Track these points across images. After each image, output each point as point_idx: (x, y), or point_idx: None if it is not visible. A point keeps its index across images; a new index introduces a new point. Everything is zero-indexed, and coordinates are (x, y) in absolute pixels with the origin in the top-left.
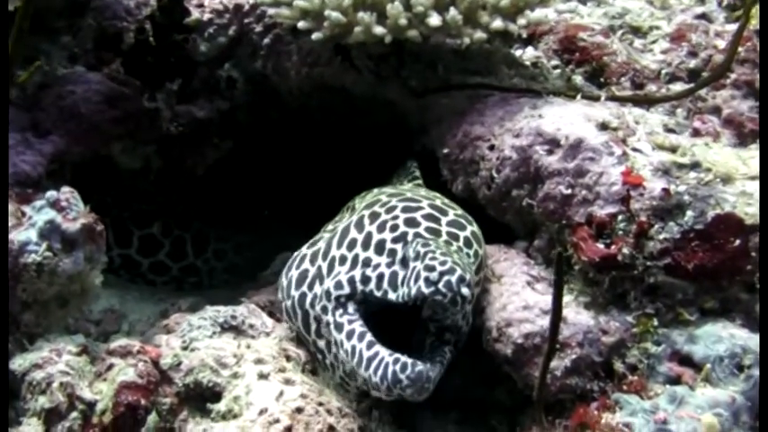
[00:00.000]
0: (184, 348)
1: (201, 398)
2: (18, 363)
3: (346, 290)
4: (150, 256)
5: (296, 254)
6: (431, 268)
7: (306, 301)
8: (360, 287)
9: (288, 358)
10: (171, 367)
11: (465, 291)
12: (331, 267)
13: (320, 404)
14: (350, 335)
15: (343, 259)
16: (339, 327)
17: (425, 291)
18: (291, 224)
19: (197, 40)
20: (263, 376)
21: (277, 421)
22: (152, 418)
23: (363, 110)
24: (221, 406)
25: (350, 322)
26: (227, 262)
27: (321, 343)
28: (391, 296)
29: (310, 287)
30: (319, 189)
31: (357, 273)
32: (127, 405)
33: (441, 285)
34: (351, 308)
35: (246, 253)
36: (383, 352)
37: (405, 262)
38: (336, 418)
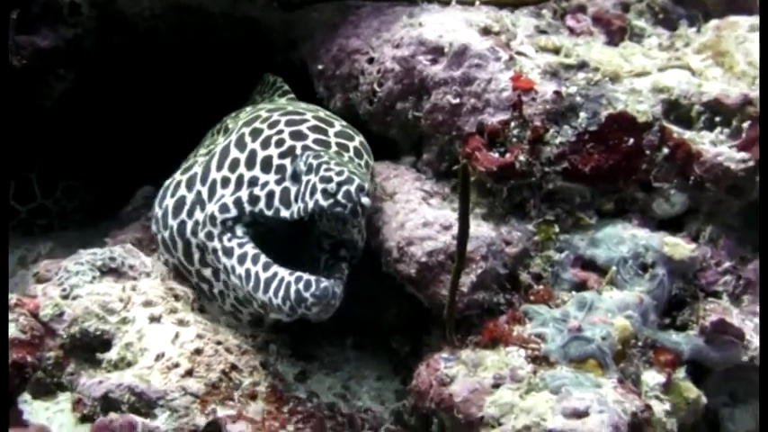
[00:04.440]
0: (65, 297)
1: (89, 348)
2: None
3: (233, 212)
4: None
5: (168, 182)
6: (327, 179)
7: (186, 230)
8: (248, 208)
9: (176, 297)
10: (52, 318)
11: (365, 200)
12: (212, 191)
13: (219, 343)
14: (242, 259)
15: (225, 181)
16: (228, 251)
17: (324, 203)
18: (147, 156)
19: None
20: (154, 319)
21: (176, 365)
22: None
23: (221, 28)
24: (112, 354)
25: (240, 246)
26: (78, 200)
27: (207, 272)
28: (284, 213)
29: (190, 214)
30: (177, 115)
31: (243, 193)
32: (12, 364)
33: (340, 196)
34: (239, 231)
35: (96, 190)
36: (282, 272)
37: (296, 176)
38: (237, 356)
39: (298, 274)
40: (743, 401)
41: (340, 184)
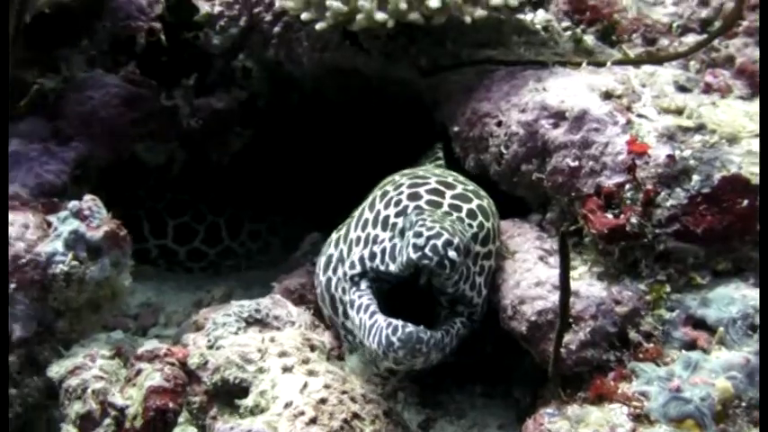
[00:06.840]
0: (210, 347)
1: (230, 394)
2: (55, 370)
3: (358, 269)
4: (186, 243)
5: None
6: (418, 234)
7: (331, 286)
8: (368, 264)
9: (312, 348)
10: (198, 367)
11: (452, 254)
12: (350, 250)
13: (344, 392)
14: (358, 309)
15: (358, 240)
16: (352, 304)
17: (413, 256)
18: (322, 201)
19: (209, 33)
20: (287, 369)
21: (302, 414)
22: (184, 416)
23: (378, 89)
24: (249, 401)
25: (359, 297)
26: (263, 242)
27: (349, 324)
28: (392, 268)
29: (334, 271)
30: (347, 166)
31: (366, 251)
32: (156, 409)
33: (427, 249)
34: (363, 285)
35: (281, 232)
36: (381, 319)
37: (402, 233)
38: (361, 405)
39: (390, 320)
40: None
41: (429, 238)
